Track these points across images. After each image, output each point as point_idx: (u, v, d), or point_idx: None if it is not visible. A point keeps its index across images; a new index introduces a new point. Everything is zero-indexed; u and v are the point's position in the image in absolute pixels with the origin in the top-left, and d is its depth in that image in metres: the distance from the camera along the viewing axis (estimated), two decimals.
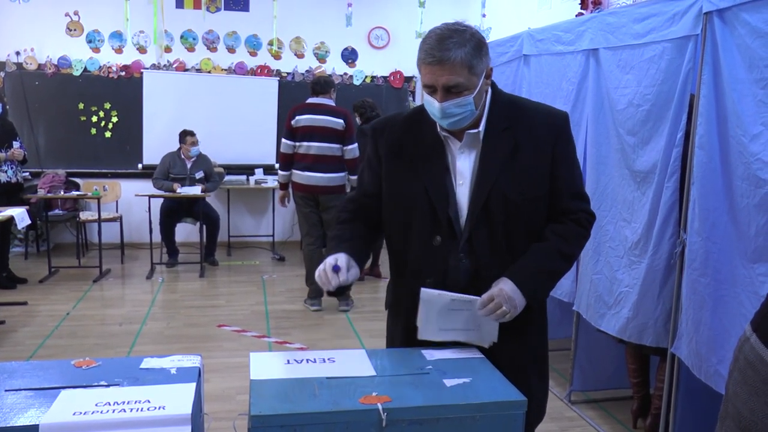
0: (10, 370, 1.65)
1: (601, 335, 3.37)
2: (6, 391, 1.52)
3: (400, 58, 8.07)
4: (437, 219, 1.83)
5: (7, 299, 5.58)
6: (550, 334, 4.31)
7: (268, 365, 1.71)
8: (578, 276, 3.56)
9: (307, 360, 1.75)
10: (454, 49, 1.70)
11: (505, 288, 1.75)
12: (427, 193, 1.83)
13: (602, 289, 3.29)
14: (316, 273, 1.84)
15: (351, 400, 1.51)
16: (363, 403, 1.49)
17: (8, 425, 1.36)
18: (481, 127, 1.83)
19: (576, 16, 4.87)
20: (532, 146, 1.82)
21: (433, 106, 1.77)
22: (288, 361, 1.74)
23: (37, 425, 1.36)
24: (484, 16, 7.38)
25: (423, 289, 1.80)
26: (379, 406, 1.47)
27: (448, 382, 1.61)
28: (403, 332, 1.97)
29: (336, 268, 1.80)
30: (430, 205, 1.83)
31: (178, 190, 6.75)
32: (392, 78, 8.17)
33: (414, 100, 8.24)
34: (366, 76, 8.11)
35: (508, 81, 4.48)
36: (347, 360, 1.76)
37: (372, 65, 8.12)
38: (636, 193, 3.05)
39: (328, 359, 1.76)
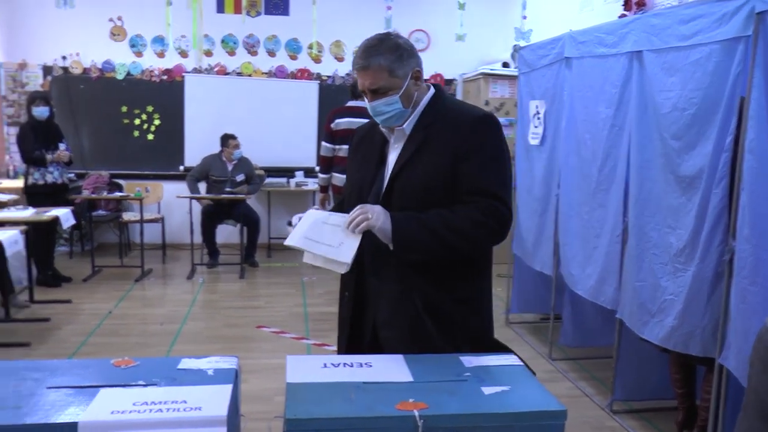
0: (53, 367, 1.68)
1: (644, 343, 3.28)
2: (48, 388, 1.54)
3: (440, 60, 8.04)
4: (362, 203, 2.00)
5: (52, 297, 5.71)
6: (591, 341, 4.23)
7: (304, 368, 1.70)
8: (621, 283, 3.48)
9: (344, 364, 1.74)
10: (375, 56, 1.94)
11: (380, 208, 1.90)
12: (359, 182, 2.11)
13: (645, 296, 3.20)
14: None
15: (387, 406, 1.49)
16: (399, 409, 1.47)
17: (49, 422, 1.38)
18: (406, 125, 2.03)
19: (619, 17, 4.78)
20: (438, 142, 1.97)
21: (368, 106, 2.02)
22: (324, 365, 1.73)
23: (76, 423, 1.37)
24: (524, 17, 7.32)
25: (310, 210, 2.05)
26: (416, 413, 1.44)
27: (486, 390, 1.58)
28: (340, 303, 2.19)
29: (289, 224, 2.06)
30: (359, 191, 2.09)
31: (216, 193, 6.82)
32: (432, 81, 8.13)
33: None
34: None
35: (548, 84, 4.41)
36: (384, 365, 1.74)
37: None
38: (681, 199, 2.97)
39: (365, 364, 1.74)
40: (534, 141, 4.66)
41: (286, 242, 1.99)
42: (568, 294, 4.21)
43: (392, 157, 2.06)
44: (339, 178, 5.45)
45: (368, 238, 1.90)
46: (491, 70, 7.38)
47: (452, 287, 1.99)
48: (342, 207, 2.18)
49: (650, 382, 3.66)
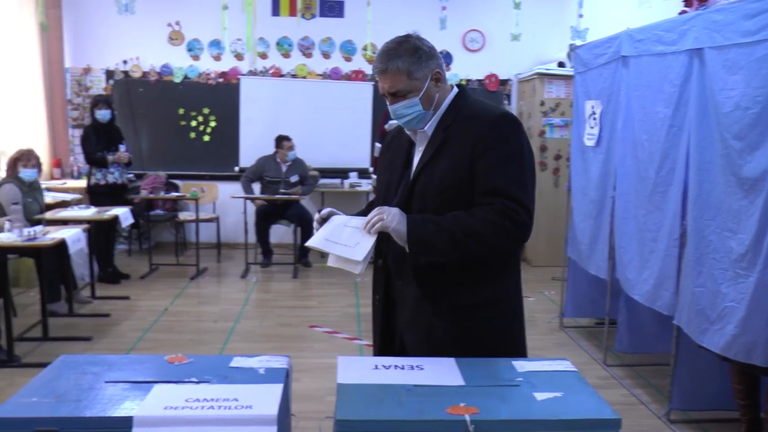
0: (110, 362, 1.73)
1: (704, 351, 3.18)
2: (106, 382, 1.59)
3: (496, 60, 7.96)
4: (388, 204, 2.01)
5: (111, 293, 5.88)
6: (648, 348, 4.11)
7: (355, 369, 1.70)
8: (679, 288, 3.38)
9: (395, 366, 1.73)
10: (393, 59, 1.95)
11: (396, 210, 1.90)
12: (386, 183, 2.12)
13: (705, 302, 3.10)
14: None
15: (438, 409, 1.47)
16: (450, 413, 1.45)
17: (105, 415, 1.42)
18: (428, 127, 2.03)
19: (679, 14, 4.64)
20: (457, 141, 1.96)
21: (390, 109, 2.02)
22: (375, 366, 1.73)
23: (131, 417, 1.40)
24: (581, 16, 7.19)
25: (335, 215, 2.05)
26: (467, 418, 1.43)
27: (539, 396, 1.55)
28: (373, 307, 2.19)
29: (320, 210, 2.07)
30: (386, 192, 2.10)
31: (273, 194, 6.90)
32: (487, 81, 8.06)
33: (510, 103, 8.11)
34: (461, 80, 8.03)
35: (605, 84, 4.32)
36: (436, 368, 1.73)
37: (467, 68, 8.03)
38: (743, 202, 2.86)
39: (416, 366, 1.74)
40: (589, 142, 4.57)
41: (307, 243, 2.02)
42: (624, 298, 4.11)
43: (416, 160, 2.06)
44: None
45: (393, 241, 1.91)
46: (547, 70, 7.27)
47: (472, 289, 1.96)
48: (371, 209, 2.18)
49: (710, 391, 3.54)
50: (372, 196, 5.93)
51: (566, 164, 6.43)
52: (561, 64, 7.29)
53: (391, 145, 2.22)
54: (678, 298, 3.38)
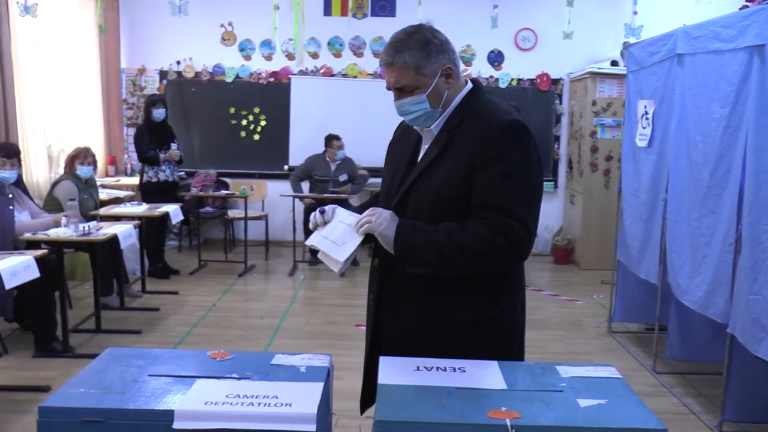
0: (154, 356, 1.76)
1: (759, 362, 3.06)
2: (149, 375, 1.61)
3: (548, 59, 7.86)
4: (388, 204, 1.95)
5: (161, 288, 6.00)
6: (700, 356, 3.98)
7: (397, 370, 1.69)
8: (733, 295, 3.26)
9: (437, 368, 1.71)
10: (401, 52, 1.84)
11: (388, 214, 1.83)
12: (389, 181, 2.02)
13: (760, 311, 2.98)
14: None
15: (479, 413, 1.45)
16: (491, 417, 1.43)
17: (148, 408, 1.45)
18: (434, 126, 1.92)
19: (740, 9, 4.48)
20: (460, 147, 1.84)
21: (394, 104, 1.91)
22: (417, 368, 1.71)
23: (173, 411, 1.42)
24: (635, 13, 6.99)
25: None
26: (508, 422, 1.40)
27: (582, 403, 1.51)
28: (368, 306, 2.10)
29: (321, 210, 1.94)
30: (388, 191, 2.01)
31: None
32: (539, 80, 7.96)
33: (561, 103, 7.99)
34: (512, 79, 7.96)
35: (658, 83, 4.21)
36: (478, 371, 1.70)
37: (518, 68, 7.95)
38: None
39: (459, 369, 1.71)
40: (641, 142, 4.46)
41: (306, 242, 1.98)
42: (675, 304, 3.99)
43: (420, 158, 1.96)
44: None
45: (387, 254, 1.85)
46: (599, 68, 7.13)
47: (469, 303, 1.86)
48: (375, 202, 2.11)
49: (765, 402, 3.41)
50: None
51: (617, 165, 6.29)
52: (614, 63, 7.14)
53: (399, 139, 2.11)
54: (732, 306, 3.26)
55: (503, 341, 1.94)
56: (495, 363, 1.76)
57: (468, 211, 1.81)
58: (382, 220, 1.80)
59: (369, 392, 1.99)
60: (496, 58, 7.98)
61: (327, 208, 1.94)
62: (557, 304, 5.91)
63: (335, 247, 1.86)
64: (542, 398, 1.53)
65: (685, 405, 3.79)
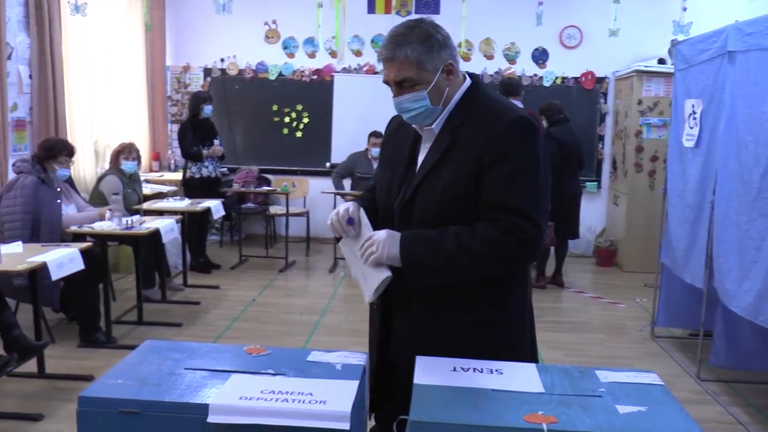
0: (191, 350, 1.77)
1: None
2: (185, 369, 1.63)
3: (593, 57, 7.72)
4: (389, 206, 1.92)
5: (202, 282, 6.09)
6: (748, 364, 3.87)
7: (433, 370, 1.67)
8: None
9: (474, 369, 1.69)
10: (402, 46, 1.77)
11: (387, 235, 1.77)
12: (388, 182, 1.95)
13: None
14: (329, 220, 1.94)
15: (515, 416, 1.42)
16: (527, 421, 1.40)
17: (183, 401, 1.46)
18: (435, 125, 1.85)
19: None
20: (467, 146, 1.79)
21: (394, 101, 1.84)
22: (454, 368, 1.69)
23: (207, 405, 1.43)
24: (684, 9, 6.83)
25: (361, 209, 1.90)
26: (545, 427, 1.37)
27: (621, 409, 1.47)
28: (370, 311, 2.06)
29: (350, 221, 1.88)
30: (388, 192, 1.94)
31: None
32: (583, 79, 7.82)
33: (606, 102, 7.85)
34: (556, 78, 7.84)
35: (707, 81, 4.09)
36: (515, 373, 1.67)
37: (563, 66, 7.82)
38: None
39: (496, 370, 1.68)
40: (688, 143, 4.34)
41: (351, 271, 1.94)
42: (722, 310, 3.87)
43: (421, 159, 1.89)
44: None
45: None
46: (646, 67, 6.97)
47: (469, 307, 1.83)
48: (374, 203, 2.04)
49: None
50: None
51: (663, 166, 6.15)
52: (661, 61, 6.98)
53: (393, 137, 2.04)
54: None
55: (515, 341, 1.92)
56: (533, 365, 1.73)
57: (476, 210, 1.77)
58: (382, 245, 1.76)
59: (378, 397, 1.94)
60: (540, 56, 7.87)
61: (353, 216, 1.89)
62: (599, 307, 5.80)
63: (361, 279, 1.85)
64: (580, 403, 1.50)
65: (732, 414, 3.68)
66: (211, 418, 1.42)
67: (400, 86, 1.81)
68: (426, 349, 1.79)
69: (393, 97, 1.84)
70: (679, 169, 4.54)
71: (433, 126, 1.86)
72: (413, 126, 1.91)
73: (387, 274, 1.78)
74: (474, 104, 1.84)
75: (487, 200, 1.75)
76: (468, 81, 1.89)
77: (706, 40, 4.15)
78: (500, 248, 1.73)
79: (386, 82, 1.85)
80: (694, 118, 4.27)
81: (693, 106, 4.30)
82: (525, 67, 7.88)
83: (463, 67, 6.77)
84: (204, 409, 1.43)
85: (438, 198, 1.79)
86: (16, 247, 3.89)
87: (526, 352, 1.95)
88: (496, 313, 1.87)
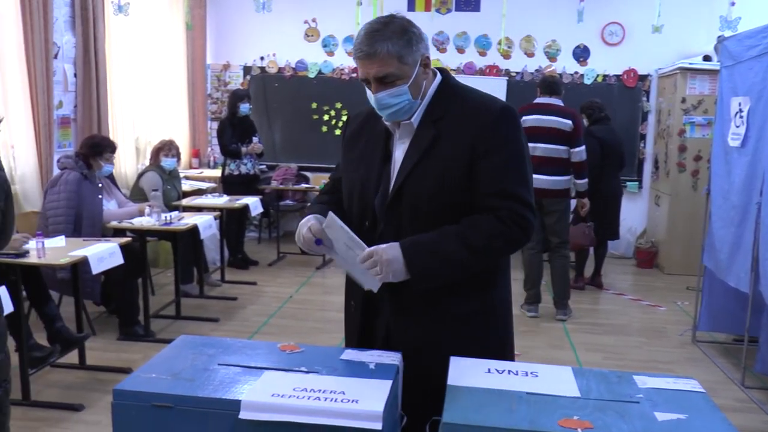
0: (225, 346, 1.78)
1: None
2: (219, 365, 1.64)
3: (635, 54, 7.55)
4: (367, 205, 1.88)
5: (240, 278, 6.15)
6: None
7: (467, 372, 1.65)
8: None
9: (509, 371, 1.67)
10: (381, 41, 1.74)
11: (388, 251, 1.73)
12: (361, 180, 1.90)
13: None
14: (297, 235, 1.89)
15: (549, 420, 1.40)
16: (562, 426, 1.37)
17: (215, 397, 1.47)
18: (414, 118, 1.83)
19: None
20: (453, 138, 1.79)
21: (371, 98, 1.82)
22: (488, 370, 1.67)
23: (239, 401, 1.43)
24: (732, 4, 6.65)
25: (330, 214, 1.81)
26: None
27: (660, 416, 1.43)
28: (346, 313, 2.05)
29: (318, 242, 1.84)
30: (363, 191, 1.89)
31: None
32: (625, 76, 7.66)
33: (648, 100, 7.69)
34: (597, 75, 7.70)
35: (755, 79, 3.97)
36: (551, 376, 1.65)
37: (604, 63, 7.67)
38: None
39: (531, 373, 1.66)
40: (734, 142, 4.22)
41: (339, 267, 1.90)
42: None
43: (398, 154, 1.86)
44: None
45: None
46: (690, 64, 6.81)
47: (470, 295, 1.85)
48: (340, 206, 1.98)
49: None
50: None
51: (707, 166, 5.99)
52: (707, 58, 6.80)
53: (359, 135, 1.99)
54: None
55: (508, 327, 1.96)
56: (569, 368, 1.70)
57: (467, 200, 1.78)
58: (386, 265, 1.71)
59: None
60: (581, 54, 7.74)
61: (318, 235, 1.83)
62: (639, 310, 5.69)
63: (360, 274, 1.83)
64: (617, 409, 1.46)
65: None
66: (243, 415, 1.43)
67: (380, 82, 1.78)
68: (418, 340, 1.82)
69: (372, 93, 1.80)
70: (723, 170, 4.42)
71: (411, 120, 1.84)
72: (386, 123, 1.88)
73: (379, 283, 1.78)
74: (452, 96, 1.86)
75: (487, 189, 1.77)
76: (439, 75, 1.89)
77: (755, 36, 4.03)
78: (507, 238, 1.77)
79: (364, 79, 1.81)
80: (741, 117, 4.15)
81: (740, 104, 4.18)
82: (566, 65, 7.76)
83: (503, 64, 6.68)
84: (236, 405, 1.43)
85: (429, 191, 1.78)
86: (59, 241, 3.98)
87: (511, 346, 1.99)
88: (485, 304, 1.88)
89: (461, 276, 1.80)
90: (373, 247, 1.74)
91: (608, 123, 6.06)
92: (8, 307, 3.16)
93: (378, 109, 1.83)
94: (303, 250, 1.90)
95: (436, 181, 1.78)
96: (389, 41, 1.74)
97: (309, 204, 2.10)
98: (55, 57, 5.43)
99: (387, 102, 1.79)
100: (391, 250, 1.73)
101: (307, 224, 1.86)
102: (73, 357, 3.98)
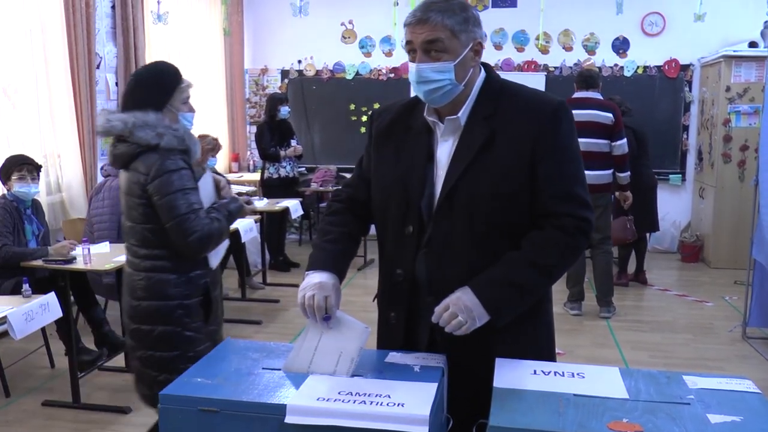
0: (269, 349, 1.79)
1: None
2: (263, 369, 1.64)
3: (677, 44, 7.40)
4: (410, 207, 1.75)
5: (281, 281, 6.20)
6: None
7: (513, 373, 1.62)
8: None
9: (555, 372, 1.64)
10: (437, 12, 1.63)
11: (463, 297, 1.64)
12: (402, 180, 1.77)
13: None
14: (299, 299, 1.74)
15: (598, 423, 1.37)
16: (611, 428, 1.34)
17: (261, 401, 1.47)
18: (461, 113, 1.72)
19: None
20: (511, 137, 1.68)
21: (411, 70, 1.68)
22: (534, 371, 1.64)
23: (285, 405, 1.44)
24: None
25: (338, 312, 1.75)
26: None
27: (713, 419, 1.38)
28: (383, 325, 1.91)
29: (327, 318, 1.72)
30: (404, 192, 1.76)
31: None
32: (666, 67, 7.51)
33: (690, 90, 7.52)
34: (638, 67, 7.57)
35: None
36: (598, 377, 1.61)
37: (645, 54, 7.53)
38: None
39: (578, 374, 1.63)
40: None
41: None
42: None
43: (442, 153, 1.74)
44: None
45: (424, 263, 1.75)
46: (735, 51, 6.64)
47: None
48: (374, 201, 1.87)
49: None
50: None
51: (754, 156, 5.83)
52: (752, 44, 6.62)
53: (390, 130, 1.85)
54: None
55: (552, 324, 1.91)
56: (616, 369, 1.66)
57: (525, 203, 1.69)
58: (467, 312, 1.63)
59: None
60: (621, 45, 7.61)
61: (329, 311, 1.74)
62: (685, 305, 5.57)
63: (336, 354, 1.67)
64: (667, 411, 1.42)
65: None
66: (289, 419, 1.43)
67: (426, 52, 1.65)
68: (462, 341, 1.70)
69: (414, 62, 1.67)
70: None
71: (459, 115, 1.72)
72: (427, 118, 1.76)
73: (364, 327, 1.70)
74: (501, 92, 1.75)
75: (547, 191, 1.69)
76: (483, 71, 1.78)
77: None
78: (574, 249, 1.73)
79: (409, 49, 1.69)
80: None
81: None
82: (605, 58, 7.64)
83: (541, 59, 6.59)
84: (282, 409, 1.43)
85: (486, 197, 1.68)
86: (104, 247, 4.07)
87: (554, 344, 1.94)
88: (535, 310, 1.81)
89: (537, 297, 1.78)
90: (445, 300, 1.66)
91: (632, 116, 5.95)
92: (57, 313, 3.25)
93: (416, 82, 1.68)
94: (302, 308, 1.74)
95: (493, 183, 1.67)
96: (445, 13, 1.64)
97: (317, 241, 1.94)
98: (98, 67, 5.56)
99: (428, 76, 1.66)
100: (465, 296, 1.65)
101: (318, 296, 1.72)
102: (119, 360, 4.05)
